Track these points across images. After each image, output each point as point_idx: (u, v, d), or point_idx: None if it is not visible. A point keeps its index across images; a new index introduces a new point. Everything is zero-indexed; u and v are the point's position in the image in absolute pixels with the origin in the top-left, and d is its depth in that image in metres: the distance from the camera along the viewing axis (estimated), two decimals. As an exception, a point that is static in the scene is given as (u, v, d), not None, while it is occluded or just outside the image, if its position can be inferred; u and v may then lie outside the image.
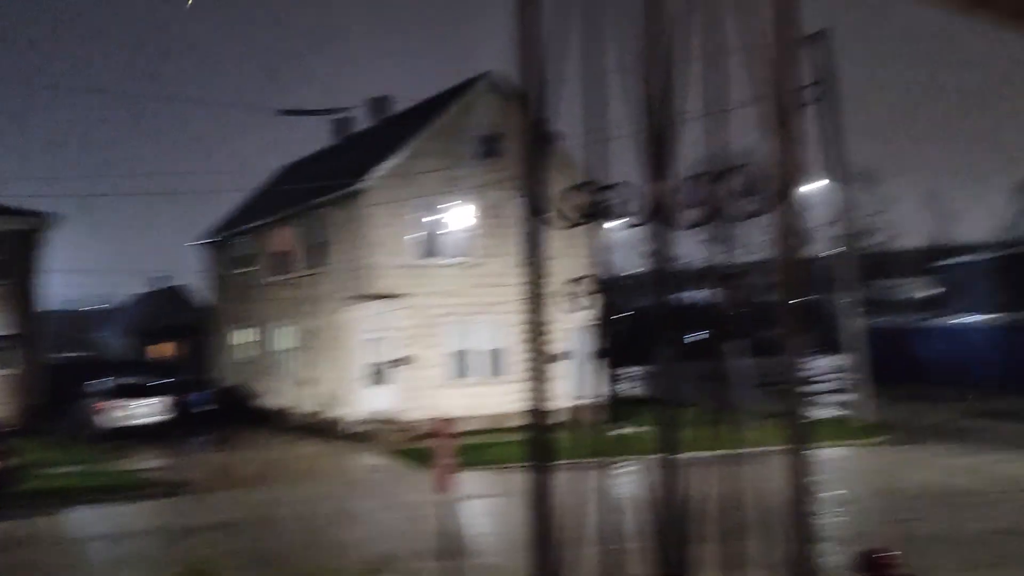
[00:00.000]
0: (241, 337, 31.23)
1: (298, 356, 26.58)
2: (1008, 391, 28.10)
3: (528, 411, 2.06)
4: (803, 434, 1.81)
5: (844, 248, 23.85)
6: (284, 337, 27.79)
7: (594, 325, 2.32)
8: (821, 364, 46.04)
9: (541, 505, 2.00)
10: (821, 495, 11.12)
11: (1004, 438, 19.20)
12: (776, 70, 1.83)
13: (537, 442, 2.03)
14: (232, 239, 32.14)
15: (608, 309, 2.72)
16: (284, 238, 28.14)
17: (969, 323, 32.50)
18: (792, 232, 1.86)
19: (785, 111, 1.84)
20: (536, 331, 2.10)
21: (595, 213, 2.30)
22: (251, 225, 30.34)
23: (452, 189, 23.64)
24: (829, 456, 17.95)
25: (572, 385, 2.26)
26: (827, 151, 22.95)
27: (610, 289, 2.78)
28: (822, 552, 8.29)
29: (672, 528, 2.19)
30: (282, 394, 27.30)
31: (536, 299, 2.10)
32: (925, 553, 10.17)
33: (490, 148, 23.57)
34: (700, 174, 2.10)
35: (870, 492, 14.41)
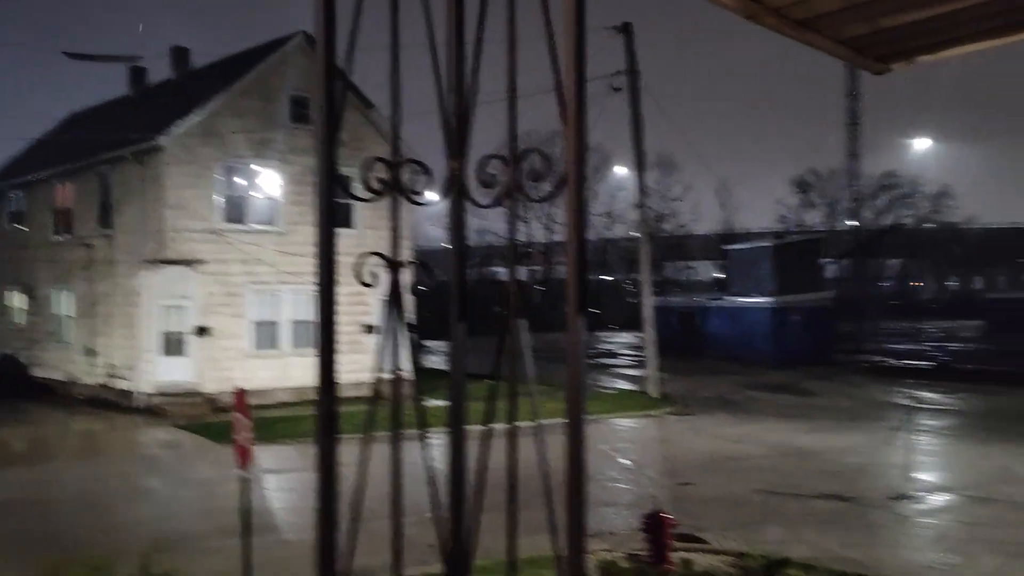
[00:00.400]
0: (17, 301, 28.27)
1: (84, 323, 24.46)
2: (779, 366, 31.33)
3: (317, 383, 2.03)
4: (581, 405, 1.92)
5: (643, 230, 25.34)
6: (68, 302, 25.46)
7: (400, 298, 2.32)
8: (618, 340, 48.87)
9: (327, 479, 1.99)
10: (612, 463, 11.85)
11: (773, 408, 21.37)
12: (568, 57, 1.91)
13: (324, 415, 2.01)
14: (7, 192, 28.91)
15: (417, 282, 2.74)
16: (68, 193, 25.68)
17: (749, 304, 35.67)
18: (580, 214, 1.95)
19: (576, 98, 1.92)
20: (326, 301, 2.07)
21: (397, 186, 2.30)
22: (30, 177, 27.41)
23: (261, 152, 22.60)
24: (620, 426, 19.15)
25: (378, 357, 2.25)
26: (632, 138, 24.21)
27: (420, 262, 2.79)
28: (611, 516, 8.79)
29: (460, 499, 2.26)
30: (66, 364, 25.04)
31: (327, 269, 2.07)
32: (699, 514, 11.15)
33: (303, 111, 22.69)
34: (496, 155, 2.15)
35: (655, 459, 15.53)
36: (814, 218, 59.85)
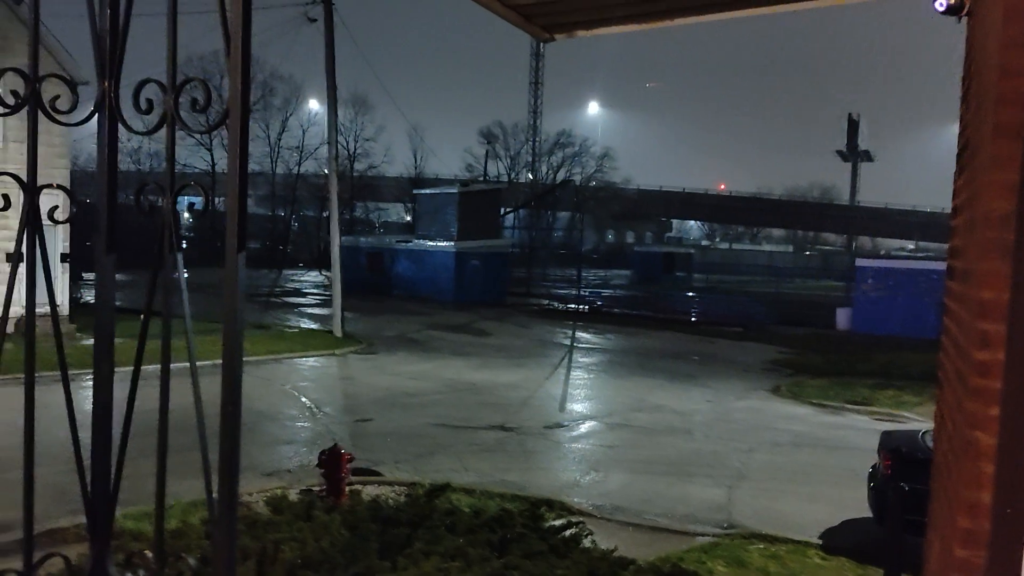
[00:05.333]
0: None
1: None
2: (459, 307, 33.07)
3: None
4: (238, 344, 1.93)
5: (333, 168, 24.99)
6: None
7: (39, 225, 2.11)
8: (306, 278, 48.03)
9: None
10: (293, 402, 11.73)
11: (451, 347, 22.56)
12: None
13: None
14: None
15: (74, 207, 2.50)
16: None
17: (434, 247, 37.01)
18: (242, 152, 1.93)
19: (241, 31, 1.88)
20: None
21: (36, 103, 2.07)
22: None
23: None
24: (303, 365, 19.01)
25: (19, 290, 2.02)
26: (326, 72, 23.59)
27: (63, 187, 2.53)
28: (289, 454, 8.76)
29: (105, 444, 2.15)
30: None
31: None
32: (377, 448, 11.56)
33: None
34: (154, 80, 2.03)
35: (336, 397, 15.69)
36: (498, 169, 63.44)
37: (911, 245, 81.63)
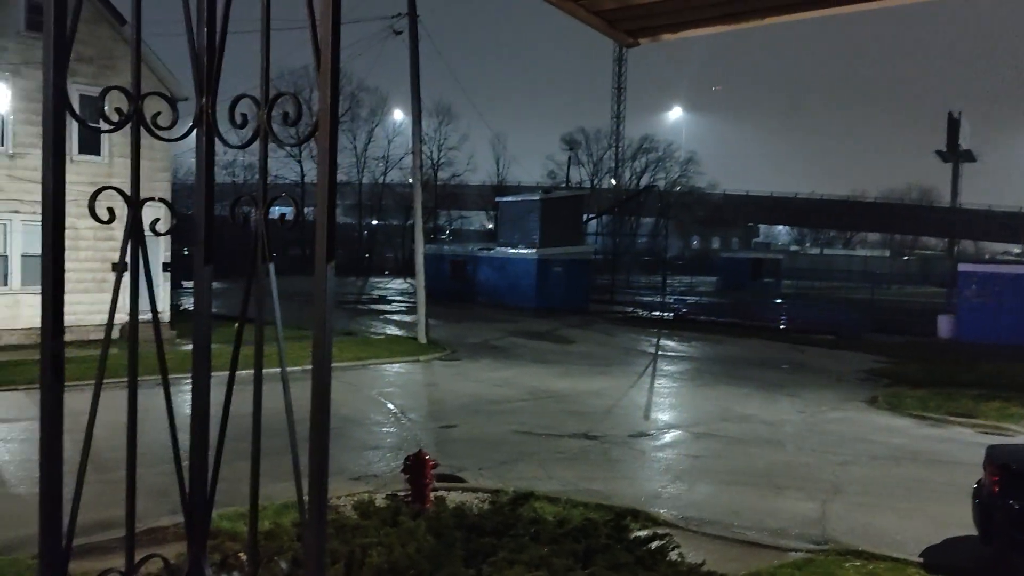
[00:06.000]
0: None
1: None
2: (541, 314, 33.07)
3: (43, 323, 1.90)
4: (327, 352, 1.96)
5: (418, 177, 25.41)
6: None
7: (141, 236, 2.20)
8: (391, 286, 48.90)
9: (52, 427, 1.87)
10: (379, 407, 11.93)
11: (534, 354, 22.57)
12: (324, 3, 1.89)
13: (49, 357, 1.88)
14: None
15: (174, 219, 2.60)
16: None
17: (517, 254, 37.13)
18: (331, 163, 1.96)
19: (330, 46, 1.91)
20: (54, 235, 1.93)
21: (139, 119, 2.16)
22: None
23: (-13, 61, 19.76)
24: (388, 371, 19.33)
25: (123, 298, 2.12)
26: (410, 84, 24.01)
27: (163, 200, 2.64)
28: (375, 459, 8.92)
29: (202, 446, 2.22)
30: None
31: (56, 198, 1.92)
32: (461, 454, 11.64)
33: (40, 19, 20.06)
34: (248, 95, 2.09)
35: (421, 403, 15.89)
36: (581, 175, 63.25)
37: (1017, 249, 77.38)
